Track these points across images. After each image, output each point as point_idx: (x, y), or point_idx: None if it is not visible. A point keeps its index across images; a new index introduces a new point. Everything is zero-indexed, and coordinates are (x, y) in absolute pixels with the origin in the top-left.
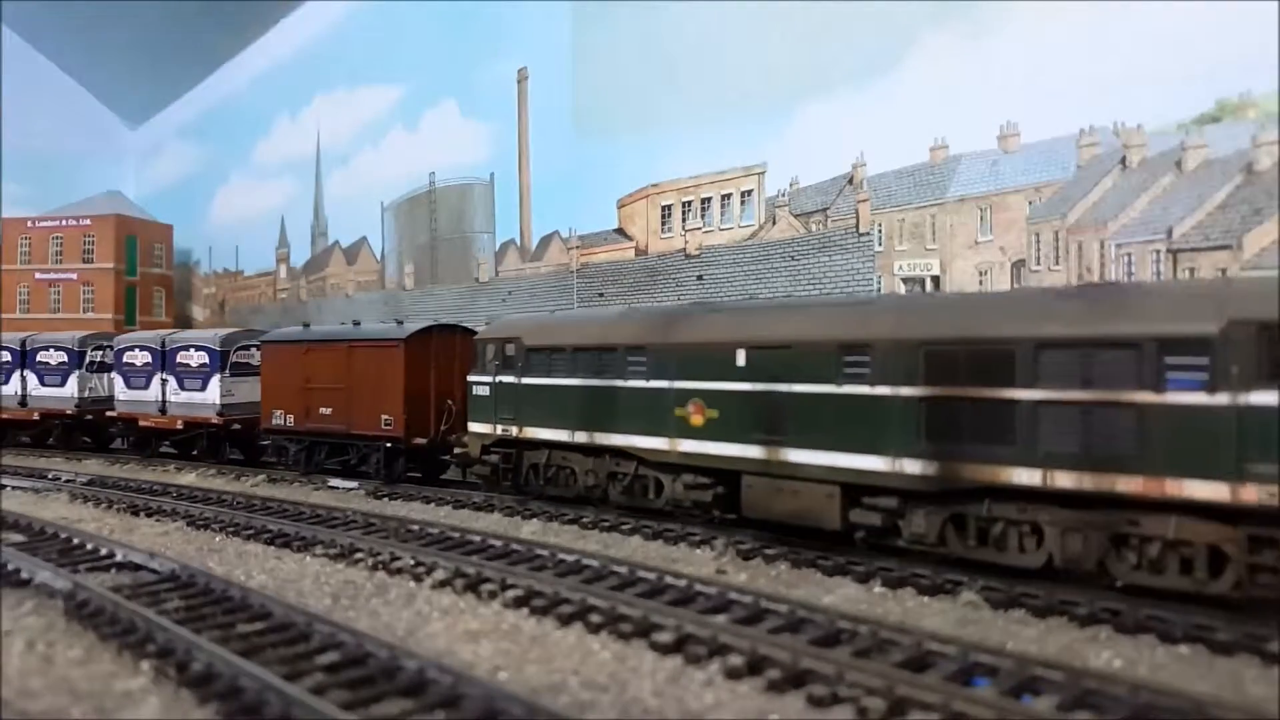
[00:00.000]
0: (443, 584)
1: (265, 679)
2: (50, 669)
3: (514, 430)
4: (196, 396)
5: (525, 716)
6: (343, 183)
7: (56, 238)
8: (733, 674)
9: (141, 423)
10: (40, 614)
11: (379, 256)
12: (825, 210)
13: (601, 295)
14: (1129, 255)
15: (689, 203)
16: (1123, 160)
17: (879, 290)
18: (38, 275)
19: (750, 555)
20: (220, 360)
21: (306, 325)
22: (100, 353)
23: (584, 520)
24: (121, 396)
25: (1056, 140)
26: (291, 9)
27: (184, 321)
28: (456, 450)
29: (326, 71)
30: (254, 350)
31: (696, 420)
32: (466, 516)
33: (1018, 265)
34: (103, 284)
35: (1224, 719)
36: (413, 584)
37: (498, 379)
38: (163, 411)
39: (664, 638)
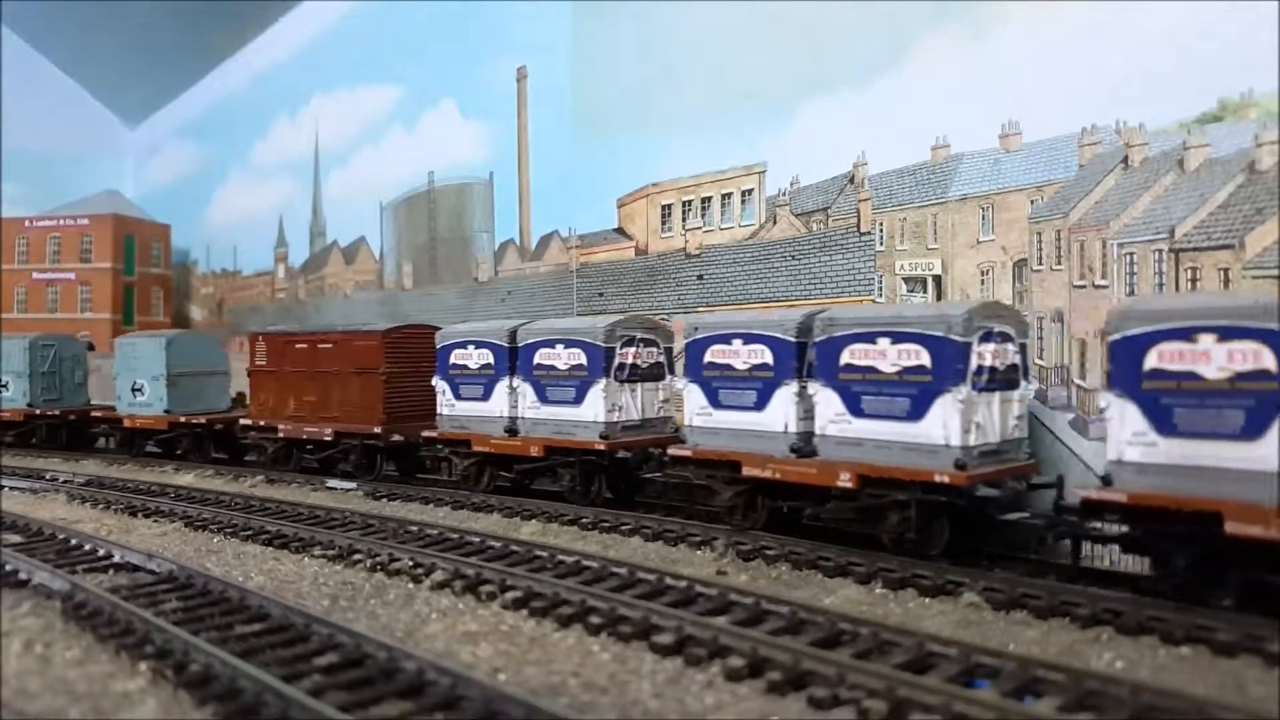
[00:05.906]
0: (441, 585)
1: (263, 680)
2: (48, 669)
3: None
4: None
5: (524, 718)
6: (341, 182)
7: (54, 237)
8: (733, 676)
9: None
10: (38, 614)
11: (377, 256)
12: (826, 209)
13: (601, 295)
14: (1131, 255)
15: (689, 202)
16: (1124, 159)
17: (880, 290)
18: (35, 275)
19: (751, 556)
20: None
21: None
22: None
23: (583, 521)
24: None
25: (1058, 139)
26: (290, 8)
27: (182, 322)
28: None
29: (325, 71)
30: None
31: None
32: (465, 517)
33: (1019, 265)
34: (100, 284)
35: None
36: (411, 585)
37: None
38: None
39: (664, 639)
